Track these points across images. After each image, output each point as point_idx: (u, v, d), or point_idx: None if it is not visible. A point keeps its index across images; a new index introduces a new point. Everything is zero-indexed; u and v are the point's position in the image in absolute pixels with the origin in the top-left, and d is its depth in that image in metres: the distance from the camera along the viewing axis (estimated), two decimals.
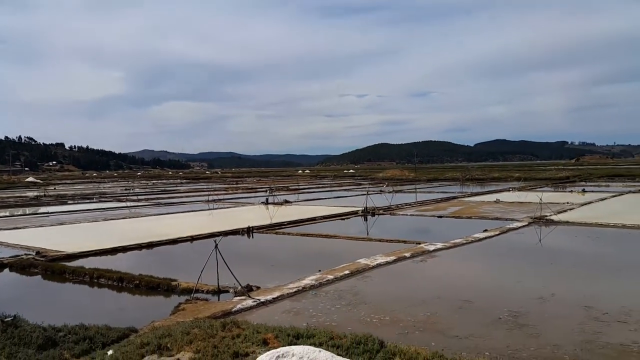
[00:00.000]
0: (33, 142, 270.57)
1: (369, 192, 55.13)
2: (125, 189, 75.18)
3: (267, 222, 27.04)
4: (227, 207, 40.40)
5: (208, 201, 45.71)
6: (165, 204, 44.78)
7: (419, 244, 18.99)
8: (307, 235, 23.24)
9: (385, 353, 6.43)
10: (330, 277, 14.16)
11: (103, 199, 52.59)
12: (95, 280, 15.02)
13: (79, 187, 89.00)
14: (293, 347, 4.80)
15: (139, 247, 20.91)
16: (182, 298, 12.88)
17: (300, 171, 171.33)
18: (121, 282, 14.38)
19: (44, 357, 7.38)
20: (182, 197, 55.66)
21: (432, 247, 18.12)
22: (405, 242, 19.79)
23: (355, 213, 32.12)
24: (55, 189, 77.75)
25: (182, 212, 37.05)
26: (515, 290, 12.35)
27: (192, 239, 22.85)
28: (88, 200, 51.37)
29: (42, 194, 60.75)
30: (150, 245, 21.27)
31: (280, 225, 26.89)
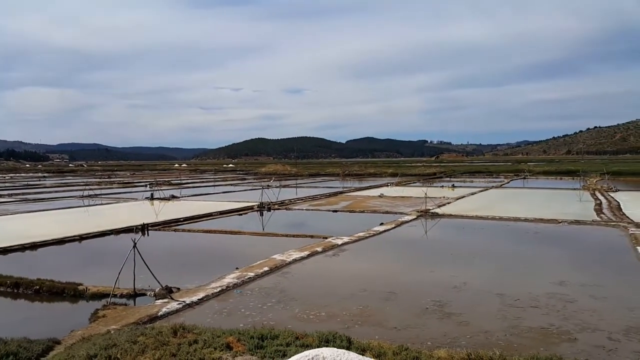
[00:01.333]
0: None
1: (256, 187, 55.21)
2: None
3: (157, 218, 25.78)
4: (107, 203, 37.65)
5: (83, 197, 42.14)
6: (34, 200, 40.33)
7: (326, 238, 19.61)
8: (209, 232, 22.68)
9: (355, 350, 6.70)
10: (251, 274, 14.08)
11: None
12: None
13: None
14: (322, 349, 4.81)
15: (22, 248, 18.74)
16: (94, 304, 11.91)
17: (177, 165, 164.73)
18: (17, 287, 12.83)
19: None
20: (50, 192, 50.47)
21: (340, 241, 18.84)
22: (312, 236, 20.29)
23: (250, 208, 31.95)
24: None
25: (56, 208, 33.69)
26: (430, 281, 13.42)
27: (81, 238, 21.04)
28: None
29: None
30: (34, 246, 19.16)
31: (177, 221, 25.84)
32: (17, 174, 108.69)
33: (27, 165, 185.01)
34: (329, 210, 30.41)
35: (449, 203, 32.74)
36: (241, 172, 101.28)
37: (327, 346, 6.91)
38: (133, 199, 41.58)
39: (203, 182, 68.69)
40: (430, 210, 27.89)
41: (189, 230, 23.24)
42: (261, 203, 32.37)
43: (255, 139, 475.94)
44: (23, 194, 47.85)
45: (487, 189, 46.18)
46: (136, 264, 12.27)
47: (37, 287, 12.67)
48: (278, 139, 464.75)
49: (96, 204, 36.88)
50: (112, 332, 8.89)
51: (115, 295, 12.30)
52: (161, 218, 26.03)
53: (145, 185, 60.09)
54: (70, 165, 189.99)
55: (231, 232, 22.29)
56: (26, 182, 70.59)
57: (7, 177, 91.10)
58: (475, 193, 41.45)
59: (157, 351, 6.98)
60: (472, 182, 60.24)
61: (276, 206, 32.96)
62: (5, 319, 11.19)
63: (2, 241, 19.26)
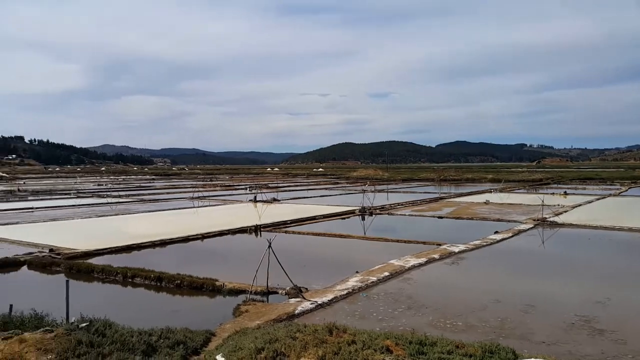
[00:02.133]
0: None
1: (351, 192, 55.58)
2: (98, 185, 72.86)
3: (263, 220, 26.62)
4: (215, 205, 39.78)
5: (192, 198, 44.89)
6: (150, 201, 43.65)
7: (440, 245, 19.22)
8: (318, 234, 23.13)
9: None
10: (373, 278, 14.16)
11: (81, 195, 50.76)
12: (130, 280, 14.48)
13: (47, 182, 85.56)
14: None
15: (153, 245, 20.33)
16: (232, 299, 12.63)
17: (269, 169, 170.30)
18: (159, 281, 13.92)
19: None
20: (161, 193, 54.36)
21: (456, 249, 18.37)
22: (425, 243, 19.98)
23: (352, 212, 32.23)
24: (24, 183, 74.46)
25: (170, 209, 36.21)
26: (568, 294, 12.66)
27: (203, 237, 22.40)
28: (66, 196, 49.42)
29: (15, 188, 58.03)
30: (163, 243, 20.72)
31: (284, 223, 26.68)
32: (128, 176, 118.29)
33: (135, 168, 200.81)
34: (433, 216, 29.79)
35: (565, 211, 30.69)
36: (332, 177, 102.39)
37: (491, 358, 6.73)
38: (237, 201, 43.59)
39: (297, 185, 70.39)
40: (548, 219, 26.32)
41: (298, 233, 23.85)
42: (363, 207, 32.49)
43: (342, 143, 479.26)
44: (138, 194, 51.95)
45: (604, 197, 42.78)
46: (262, 263, 12.77)
47: (178, 281, 13.65)
48: (365, 144, 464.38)
49: (205, 205, 39.11)
50: (262, 327, 9.33)
51: (248, 292, 12.95)
52: (267, 220, 26.91)
53: (245, 188, 62.84)
54: (173, 168, 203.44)
55: (340, 236, 22.58)
56: (138, 184, 76.56)
57: (120, 179, 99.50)
58: (592, 201, 38.55)
59: (319, 348, 7.21)
60: (584, 189, 56.09)
61: (377, 211, 32.91)
62: (156, 309, 12.17)
63: (134, 238, 21.05)
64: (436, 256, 17.16)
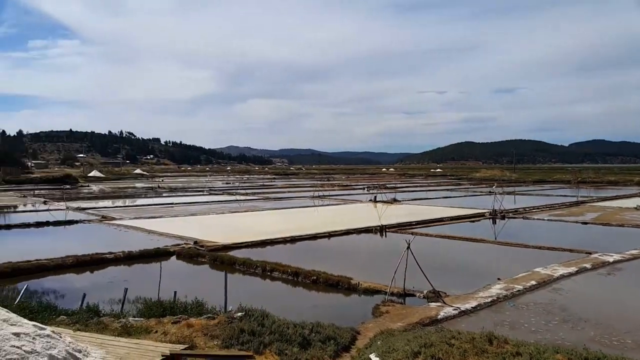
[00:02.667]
0: (133, 137, 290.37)
1: (475, 193, 53.04)
2: (226, 183, 78.00)
3: (384, 221, 26.10)
4: (335, 204, 40.28)
5: (313, 197, 45.97)
6: (274, 199, 45.54)
7: (590, 253, 17.36)
8: (448, 237, 22.22)
9: None
10: (518, 287, 13.13)
11: (213, 192, 54.61)
12: (268, 273, 15.04)
13: (181, 179, 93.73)
14: None
15: (284, 241, 21.03)
16: (367, 298, 12.51)
17: (384, 169, 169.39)
18: (296, 276, 14.26)
19: (310, 357, 7.13)
20: (283, 192, 56.50)
21: (610, 259, 16.46)
22: (571, 250, 18.19)
23: (481, 215, 30.61)
24: (162, 180, 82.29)
25: (294, 207, 37.36)
26: None
27: (330, 235, 22.69)
28: (200, 193, 53.53)
29: (155, 185, 64.35)
30: (293, 239, 21.34)
31: (409, 224, 26.11)
32: (251, 175, 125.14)
33: (256, 168, 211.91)
34: (576, 222, 27.17)
35: None
36: (453, 177, 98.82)
37: None
38: (356, 200, 43.79)
39: (416, 186, 68.97)
40: None
41: (425, 234, 23.13)
42: (494, 210, 30.71)
43: (462, 142, 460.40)
44: (263, 193, 54.54)
45: None
46: (399, 265, 12.42)
47: (314, 277, 13.86)
48: (487, 143, 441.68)
49: (325, 205, 39.82)
50: (409, 330, 9.02)
51: (383, 292, 12.72)
52: (389, 220, 26.43)
53: (363, 188, 63.06)
54: (291, 168, 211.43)
55: (471, 239, 21.48)
56: (261, 183, 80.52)
57: (244, 178, 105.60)
58: None
59: (480, 358, 6.71)
60: None
61: (510, 214, 30.88)
62: (297, 303, 12.42)
63: (266, 234, 21.93)
64: (588, 265, 15.50)
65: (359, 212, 34.38)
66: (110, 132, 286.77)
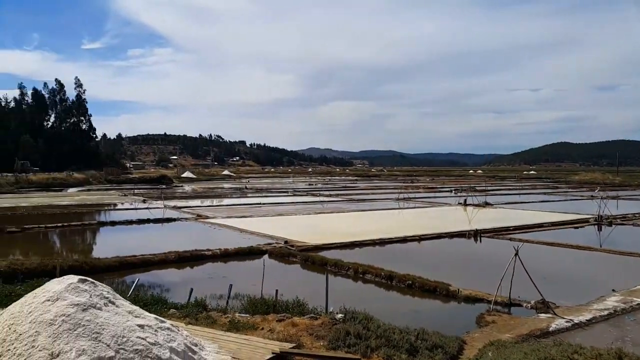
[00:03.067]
0: (221, 140, 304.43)
1: (576, 197, 49.47)
2: (309, 184, 79.12)
3: (474, 225, 24.90)
4: (422, 207, 39.28)
5: (398, 199, 45.20)
6: (358, 200, 45.36)
7: None
8: (551, 244, 20.74)
9: None
10: (638, 300, 11.90)
11: (297, 193, 55.56)
12: (360, 275, 14.87)
13: (266, 180, 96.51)
14: None
15: (373, 243, 20.77)
16: (468, 306, 11.93)
17: (471, 171, 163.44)
18: (390, 280, 13.95)
19: None
20: (367, 194, 56.16)
21: None
22: None
23: (585, 221, 28.42)
24: (248, 181, 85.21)
25: (379, 209, 36.93)
26: None
27: (420, 238, 22.08)
28: (284, 194, 54.68)
29: (243, 186, 66.76)
30: (382, 242, 21.01)
31: (506, 230, 24.76)
32: (332, 177, 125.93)
33: (337, 170, 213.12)
34: None
35: None
36: (548, 180, 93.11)
37: None
38: (444, 203, 42.46)
39: (509, 189, 65.72)
40: None
41: (525, 241, 21.75)
42: (599, 216, 28.38)
43: (557, 143, 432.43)
44: (346, 194, 54.55)
45: None
46: (505, 272, 11.67)
47: (410, 282, 13.45)
48: (585, 144, 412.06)
49: (411, 207, 38.98)
50: (521, 341, 8.42)
51: (486, 301, 12.06)
52: (482, 225, 25.15)
53: (450, 191, 61.12)
54: (372, 170, 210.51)
55: (577, 247, 19.90)
56: (343, 184, 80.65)
57: (326, 179, 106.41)
58: None
59: None
60: None
61: (618, 220, 28.39)
62: (395, 308, 12.10)
63: (353, 235, 21.78)
64: None
65: (448, 215, 33.28)
66: (200, 135, 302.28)
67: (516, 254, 11.55)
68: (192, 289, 10.14)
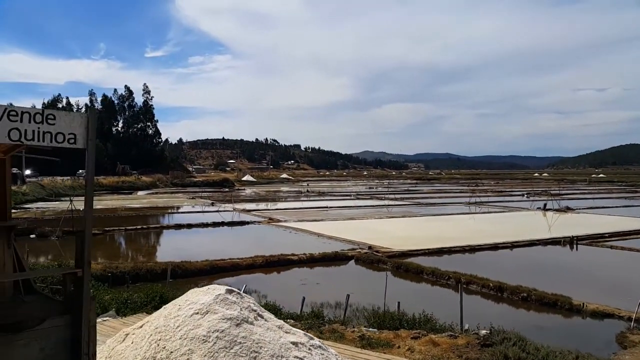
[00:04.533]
0: (276, 144, 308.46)
1: None
2: (369, 187, 78.13)
3: (576, 231, 23.10)
4: (497, 212, 37.49)
5: (469, 203, 43.39)
6: (426, 205, 43.98)
7: None
8: None
9: None
10: None
11: (360, 197, 54.74)
12: (464, 286, 13.85)
13: (323, 184, 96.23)
14: None
15: (462, 250, 19.65)
16: (593, 322, 10.76)
17: (536, 174, 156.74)
18: (500, 291, 12.88)
19: None
20: (433, 197, 54.53)
21: None
22: None
23: None
24: (308, 185, 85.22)
25: (452, 213, 35.51)
26: None
27: (512, 246, 20.74)
28: (347, 197, 54.00)
29: (304, 190, 66.70)
30: (472, 249, 19.86)
31: (602, 236, 22.93)
32: (390, 180, 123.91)
33: (394, 173, 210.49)
34: None
35: None
36: (622, 184, 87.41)
37: None
38: (520, 208, 40.42)
39: (583, 193, 62.03)
40: None
41: (630, 249, 19.95)
42: None
43: (625, 145, 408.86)
44: (411, 198, 53.12)
45: None
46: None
47: (525, 294, 12.34)
48: None
49: (485, 212, 37.24)
50: None
51: (621, 318, 10.81)
52: (563, 232, 23.24)
53: (522, 195, 58.41)
54: (429, 173, 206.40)
55: None
56: (405, 188, 78.95)
57: (385, 183, 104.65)
58: None
59: None
60: None
61: None
62: (512, 324, 11.07)
63: (435, 241, 20.67)
64: None
65: (529, 220, 31.49)
66: (256, 139, 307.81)
67: None
68: (304, 298, 9.59)
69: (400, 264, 16.10)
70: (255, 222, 29.57)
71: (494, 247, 20.33)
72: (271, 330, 5.36)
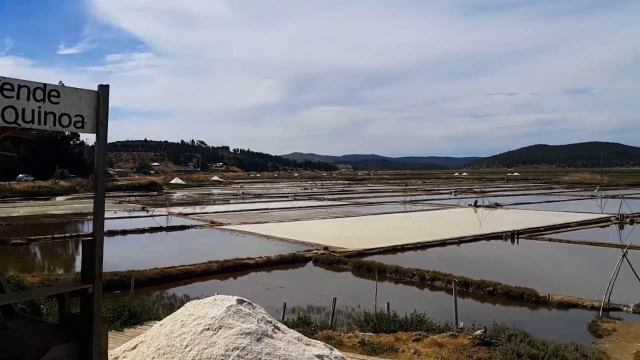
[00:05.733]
0: (204, 145, 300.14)
1: (577, 197, 49.44)
2: (304, 189, 77.98)
3: (511, 226, 24.11)
4: (433, 209, 38.63)
5: (405, 202, 44.41)
6: (364, 204, 44.46)
7: None
8: (600, 244, 20.09)
9: None
10: None
11: (298, 198, 54.37)
12: (428, 282, 13.87)
13: (257, 186, 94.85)
14: None
15: (415, 247, 19.84)
16: (559, 312, 11.08)
17: (457, 173, 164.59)
18: (466, 287, 12.97)
19: None
20: (369, 197, 55.31)
21: None
22: None
23: (607, 220, 28.10)
24: (242, 187, 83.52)
25: (392, 212, 36.07)
26: None
27: (459, 241, 21.26)
28: (285, 199, 53.39)
29: (239, 192, 65.19)
30: (423, 246, 20.12)
31: (538, 230, 24.15)
32: (323, 181, 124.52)
33: (324, 174, 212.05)
34: None
35: None
36: (536, 181, 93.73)
37: None
38: (454, 205, 41.92)
39: (505, 190, 65.67)
40: None
41: (567, 241, 21.09)
42: (621, 215, 28.08)
43: (533, 146, 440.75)
44: (349, 198, 53.54)
45: None
46: (612, 275, 10.84)
47: (490, 288, 12.52)
48: (560, 146, 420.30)
49: (423, 210, 38.21)
50: None
51: (578, 306, 11.22)
52: (499, 227, 24.26)
53: (450, 193, 60.76)
54: (359, 174, 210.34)
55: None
56: (341, 189, 79.48)
57: (317, 184, 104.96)
58: None
59: None
60: None
61: (638, 219, 28.16)
62: (489, 319, 11.12)
63: (385, 240, 20.69)
64: None
65: (465, 217, 32.64)
66: (182, 141, 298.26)
67: (624, 256, 10.70)
68: (285, 304, 9.01)
69: (361, 263, 15.88)
70: (196, 226, 28.26)
71: (443, 243, 20.72)
72: (292, 344, 4.81)
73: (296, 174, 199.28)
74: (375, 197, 55.44)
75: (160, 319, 7.43)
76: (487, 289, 12.51)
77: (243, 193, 62.39)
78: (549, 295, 11.66)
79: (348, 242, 20.10)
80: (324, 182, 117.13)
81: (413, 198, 46.36)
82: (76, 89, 3.45)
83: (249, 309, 5.04)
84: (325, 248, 18.56)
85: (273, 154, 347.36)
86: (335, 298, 9.17)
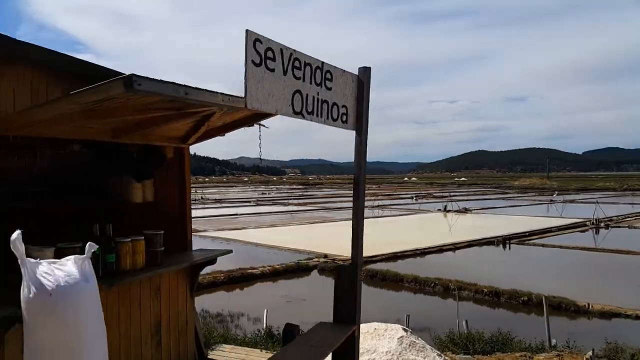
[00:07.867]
0: None
1: (536, 202, 51.10)
2: (262, 193, 76.53)
3: (477, 233, 24.26)
4: (406, 214, 38.70)
5: (373, 207, 44.18)
6: (334, 209, 43.91)
7: None
8: (593, 249, 20.39)
9: None
10: None
11: (260, 203, 53.03)
12: (454, 292, 13.27)
13: (212, 190, 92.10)
14: None
15: (414, 254, 19.33)
16: (602, 323, 10.78)
17: (406, 178, 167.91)
18: (497, 296, 12.50)
19: None
20: (333, 202, 54.76)
21: None
22: None
23: (583, 224, 28.87)
24: (202, 191, 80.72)
25: (367, 217, 35.23)
26: None
27: (455, 247, 20.98)
28: (247, 204, 51.86)
29: (199, 197, 62.75)
30: (422, 252, 19.64)
31: (524, 235, 24.36)
32: (276, 186, 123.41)
33: (274, 179, 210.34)
34: None
35: None
36: (489, 186, 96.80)
37: None
38: (424, 210, 42.16)
39: (462, 195, 67.07)
40: None
41: (559, 247, 21.27)
42: (596, 219, 28.95)
43: (475, 151, 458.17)
44: (313, 203, 52.82)
45: None
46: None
47: (525, 298, 12.10)
48: (500, 151, 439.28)
49: (395, 215, 38.08)
50: None
51: (628, 317, 10.98)
52: (469, 233, 24.38)
53: (411, 197, 61.28)
54: (309, 178, 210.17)
55: (619, 252, 19.65)
56: (300, 193, 78.37)
57: (274, 188, 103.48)
58: None
59: None
60: None
61: (611, 224, 29.20)
62: (532, 332, 10.64)
63: (379, 247, 20.05)
64: None
65: (440, 222, 32.60)
66: None
67: None
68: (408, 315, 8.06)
69: (374, 272, 15.12)
70: None
71: (439, 250, 20.32)
72: None
73: (245, 179, 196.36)
74: (341, 202, 54.90)
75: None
76: (521, 299, 12.07)
77: (202, 198, 60.08)
78: (588, 304, 11.35)
79: (343, 250, 19.27)
80: (277, 186, 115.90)
81: (380, 203, 46.19)
82: (344, 71, 2.57)
83: (415, 337, 4.15)
84: (325, 256, 17.70)
85: (220, 158, 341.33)
86: (408, 315, 8.33)
